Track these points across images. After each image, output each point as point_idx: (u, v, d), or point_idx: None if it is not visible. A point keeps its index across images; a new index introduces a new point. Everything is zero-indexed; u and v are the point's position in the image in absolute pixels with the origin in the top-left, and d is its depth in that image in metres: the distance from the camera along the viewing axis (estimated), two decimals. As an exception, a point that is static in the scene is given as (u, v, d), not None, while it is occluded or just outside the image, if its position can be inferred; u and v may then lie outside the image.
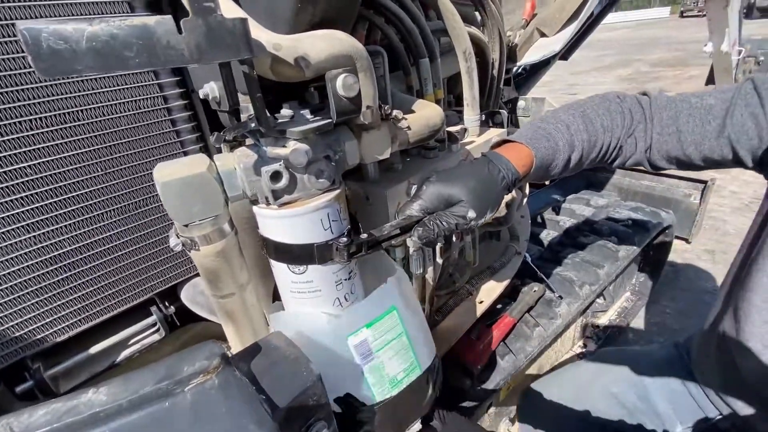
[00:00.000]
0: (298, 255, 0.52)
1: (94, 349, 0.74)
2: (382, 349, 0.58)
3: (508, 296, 1.26)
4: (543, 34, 1.38)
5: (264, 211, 0.51)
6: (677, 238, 1.96)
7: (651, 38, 13.64)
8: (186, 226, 0.48)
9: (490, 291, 1.08)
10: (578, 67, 9.19)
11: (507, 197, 1.02)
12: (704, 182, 1.96)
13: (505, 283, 1.10)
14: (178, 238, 0.50)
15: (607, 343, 1.68)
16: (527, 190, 1.28)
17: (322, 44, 0.46)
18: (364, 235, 0.57)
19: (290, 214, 0.50)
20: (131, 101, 0.63)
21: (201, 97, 0.54)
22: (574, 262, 1.44)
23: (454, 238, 0.93)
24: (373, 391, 0.58)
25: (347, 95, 0.47)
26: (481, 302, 1.04)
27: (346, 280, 0.58)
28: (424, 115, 0.63)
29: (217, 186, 0.48)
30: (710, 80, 3.47)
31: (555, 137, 0.68)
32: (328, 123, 0.49)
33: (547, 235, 1.64)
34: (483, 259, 1.16)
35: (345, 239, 0.53)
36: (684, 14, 21.03)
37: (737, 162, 0.64)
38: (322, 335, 0.54)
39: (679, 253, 2.42)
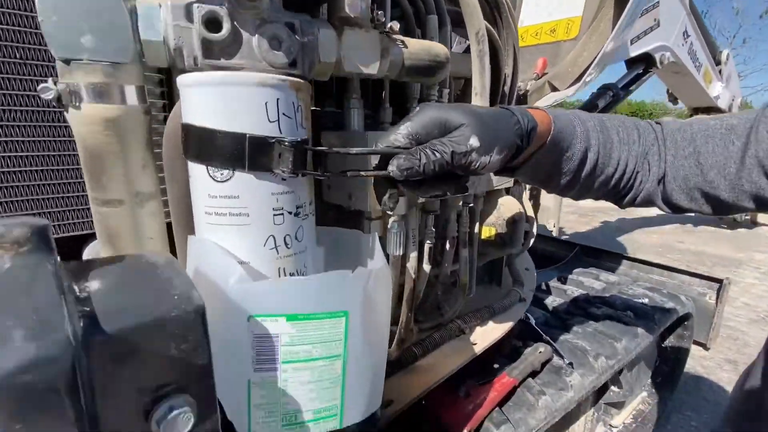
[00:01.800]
0: (222, 148, 0.36)
1: None
2: (296, 364, 0.36)
3: (508, 357, 1.02)
4: (554, 88, 1.37)
5: (188, 77, 0.36)
6: (695, 343, 1.75)
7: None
8: (67, 64, 0.34)
9: (486, 333, 0.86)
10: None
11: (509, 204, 0.85)
12: (719, 281, 1.82)
13: (505, 327, 0.88)
14: (55, 84, 0.34)
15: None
16: (535, 228, 1.12)
17: None
18: (325, 149, 0.41)
19: (222, 81, 0.36)
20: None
21: None
22: (586, 331, 1.21)
23: (447, 245, 0.75)
24: (249, 419, 0.37)
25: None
26: (474, 344, 0.81)
27: (290, 213, 0.41)
28: (425, 42, 0.52)
29: (125, 17, 0.34)
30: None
31: (572, 121, 0.56)
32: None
33: (553, 302, 1.43)
34: (481, 299, 0.95)
35: (292, 139, 0.38)
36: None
37: None
38: (215, 296, 0.34)
39: (697, 360, 2.15)
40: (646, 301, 1.47)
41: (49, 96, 0.34)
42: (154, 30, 0.35)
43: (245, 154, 0.36)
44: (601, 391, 1.32)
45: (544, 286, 1.60)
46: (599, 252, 2.17)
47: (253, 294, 0.34)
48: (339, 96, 0.63)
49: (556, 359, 1.05)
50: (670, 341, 1.64)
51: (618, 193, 0.60)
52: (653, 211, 5.78)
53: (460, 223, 0.75)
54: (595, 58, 1.25)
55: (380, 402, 0.45)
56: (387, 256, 0.57)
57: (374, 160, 0.45)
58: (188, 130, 0.38)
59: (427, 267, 0.70)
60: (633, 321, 1.28)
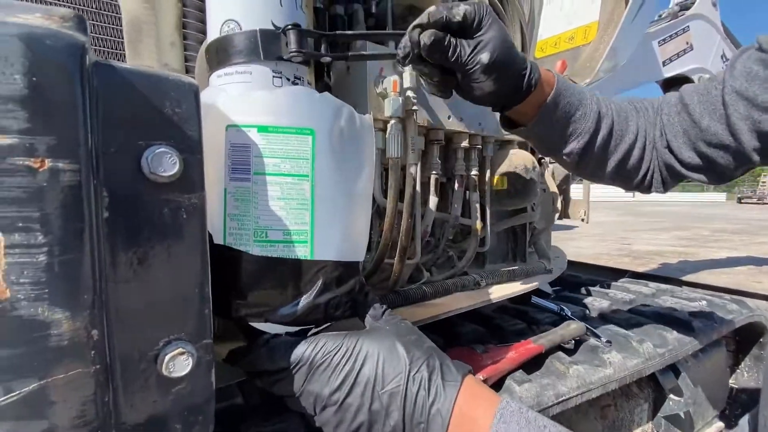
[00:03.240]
0: (239, 45, 0.43)
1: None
2: (266, 177, 0.39)
3: (534, 332, 0.94)
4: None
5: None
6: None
7: (709, 214, 13.51)
8: (120, -54, 0.44)
9: (504, 289, 0.82)
10: (631, 226, 9.09)
11: (521, 154, 0.83)
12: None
13: (525, 287, 0.84)
14: (110, -34, 0.44)
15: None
16: (558, 216, 1.09)
17: None
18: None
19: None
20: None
21: None
22: (630, 323, 1.09)
23: (456, 185, 0.76)
24: (224, 228, 0.39)
25: None
26: (491, 294, 0.78)
27: (288, 80, 0.46)
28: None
29: None
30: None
31: (579, 87, 0.59)
32: None
33: (593, 301, 1.32)
34: (500, 262, 0.92)
35: (296, 24, 0.44)
36: (742, 200, 21.09)
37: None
38: (209, 116, 0.38)
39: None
40: (704, 303, 1.31)
41: (105, -27, 0.44)
42: (186, -74, 0.45)
43: (259, 47, 0.43)
44: (657, 403, 1.15)
45: (584, 290, 1.48)
46: (653, 278, 1.99)
47: (230, 106, 0.39)
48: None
49: (592, 340, 0.95)
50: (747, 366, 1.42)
51: (639, 165, 0.60)
52: (722, 252, 5.21)
53: (468, 164, 0.77)
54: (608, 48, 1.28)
55: (361, 258, 0.45)
56: (387, 160, 0.60)
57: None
58: (210, 47, 0.45)
59: (433, 199, 0.71)
60: (687, 318, 1.15)
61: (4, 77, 0.24)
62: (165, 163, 0.31)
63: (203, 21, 0.68)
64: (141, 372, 0.31)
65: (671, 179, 0.61)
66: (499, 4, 0.90)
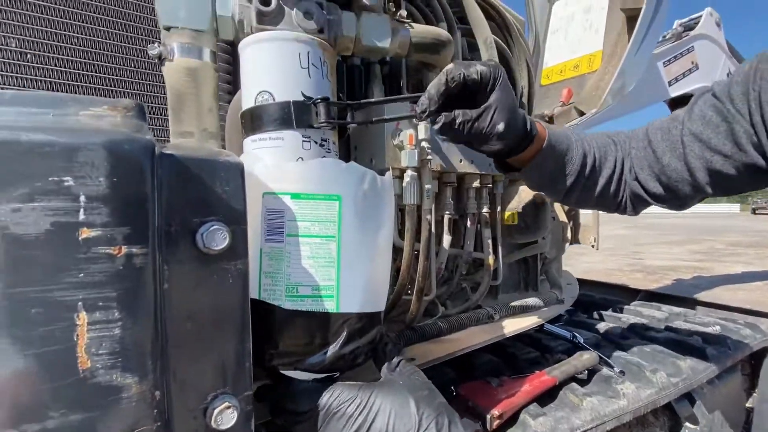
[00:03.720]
0: (273, 115, 0.48)
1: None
2: (297, 238, 0.44)
3: (548, 362, 0.95)
4: (581, 113, 1.43)
5: (247, 39, 0.50)
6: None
7: (723, 226, 13.28)
8: (168, 30, 0.49)
9: (518, 324, 0.84)
10: (643, 239, 8.97)
11: (532, 195, 0.87)
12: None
13: (538, 320, 0.86)
14: (159, 46, 0.50)
15: None
16: (569, 244, 1.11)
17: None
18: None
19: (270, 37, 0.49)
20: None
21: None
22: (644, 351, 1.10)
23: (468, 223, 0.80)
24: (259, 284, 0.43)
25: (346, -60, 0.51)
26: (504, 328, 0.80)
27: (316, 143, 0.51)
28: (429, 26, 0.64)
29: (208, 0, 0.50)
30: None
31: (566, 132, 0.65)
32: (323, -39, 0.51)
33: (606, 326, 1.32)
34: (513, 291, 0.94)
35: (324, 96, 0.49)
36: (756, 211, 20.70)
37: (724, 154, 0.55)
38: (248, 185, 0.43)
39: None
40: (717, 328, 1.31)
41: (154, 52, 0.49)
42: (226, 8, 0.50)
43: (292, 117, 0.48)
44: (674, 431, 1.14)
45: (596, 315, 1.49)
46: (667, 297, 1.98)
47: (267, 174, 0.43)
48: (365, 89, 0.76)
49: (605, 370, 0.96)
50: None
51: (617, 193, 0.66)
52: (737, 267, 5.10)
53: (480, 203, 0.80)
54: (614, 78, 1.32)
55: (382, 307, 0.49)
56: (404, 207, 0.64)
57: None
58: (245, 114, 0.50)
59: (447, 238, 0.75)
60: (701, 344, 1.15)
61: (91, 180, 0.29)
62: (217, 239, 0.35)
63: (229, 82, 0.74)
64: (194, 426, 0.35)
65: (640, 205, 0.67)
66: (506, 48, 0.95)
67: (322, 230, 0.44)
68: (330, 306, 0.44)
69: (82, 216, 0.28)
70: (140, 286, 0.31)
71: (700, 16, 2.48)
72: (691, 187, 0.60)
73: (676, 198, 0.62)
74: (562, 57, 1.69)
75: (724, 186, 0.58)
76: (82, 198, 0.28)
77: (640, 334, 1.27)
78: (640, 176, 0.64)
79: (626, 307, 1.56)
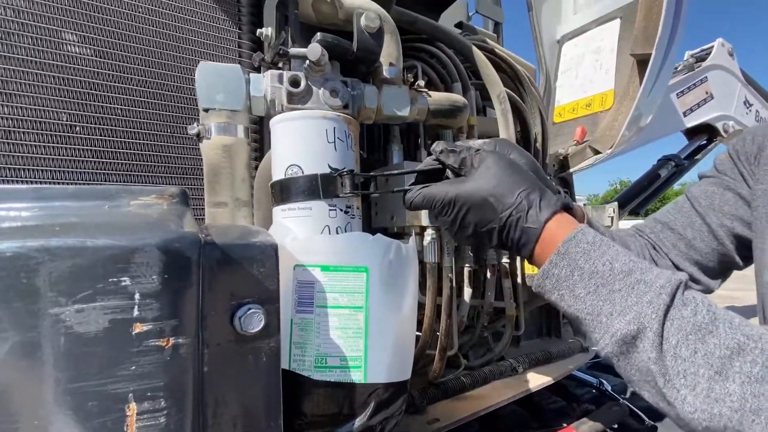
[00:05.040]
0: (302, 187, 0.51)
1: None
2: (327, 309, 0.46)
3: (575, 417, 0.92)
4: (596, 152, 1.43)
5: (277, 117, 0.54)
6: None
7: (752, 250, 12.66)
8: (206, 111, 0.54)
9: (542, 376, 0.83)
10: (667, 265, 8.63)
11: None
12: None
13: (563, 372, 0.84)
14: (197, 126, 0.54)
15: None
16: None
17: (358, 0, 0.58)
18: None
19: (299, 116, 0.53)
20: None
21: (258, 35, 0.65)
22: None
23: (488, 274, 0.80)
24: (289, 354, 0.45)
25: (369, 25, 0.55)
26: (528, 382, 0.79)
27: (341, 210, 0.53)
28: (446, 93, 0.68)
29: (243, 83, 0.54)
30: None
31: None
32: (348, 46, 0.56)
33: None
34: (535, 338, 0.93)
35: (349, 169, 0.52)
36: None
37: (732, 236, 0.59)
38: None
39: None
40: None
41: (193, 132, 0.54)
42: (258, 90, 0.55)
43: (319, 188, 0.51)
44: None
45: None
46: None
47: (298, 247, 0.46)
48: (384, 147, 0.79)
49: (636, 425, 0.92)
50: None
51: None
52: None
53: (499, 253, 0.81)
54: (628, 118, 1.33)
55: (408, 376, 0.49)
56: (425, 264, 0.65)
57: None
58: (275, 185, 0.54)
59: (468, 290, 0.75)
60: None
61: (146, 279, 0.31)
62: (254, 322, 0.37)
63: (256, 149, 0.78)
64: None
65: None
66: (519, 99, 0.98)
67: (351, 301, 0.46)
68: (358, 377, 0.45)
69: (136, 312, 0.31)
70: (184, 374, 0.33)
71: (712, 46, 2.50)
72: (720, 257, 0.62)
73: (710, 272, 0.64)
74: (573, 95, 1.72)
75: None
76: (137, 296, 0.31)
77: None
78: (670, 256, 0.64)
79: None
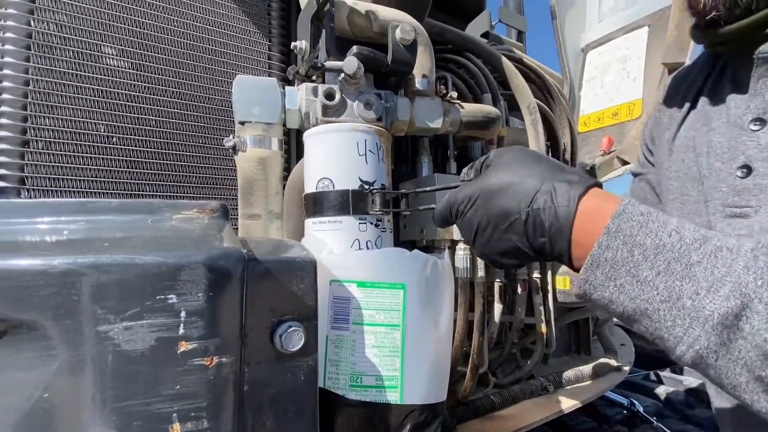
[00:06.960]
0: (333, 201, 0.51)
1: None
2: (363, 327, 0.44)
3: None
4: (624, 162, 1.40)
5: (312, 129, 0.54)
6: None
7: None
8: (242, 124, 0.54)
9: (574, 396, 0.79)
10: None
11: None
12: None
13: (595, 393, 0.81)
14: (233, 138, 0.54)
15: None
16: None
17: (392, 12, 0.58)
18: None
19: (333, 129, 0.53)
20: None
21: (292, 48, 0.65)
22: (712, 423, 1.00)
23: (519, 289, 0.78)
24: (324, 372, 0.44)
25: (404, 38, 0.55)
26: (560, 402, 0.76)
27: (372, 224, 0.53)
28: (479, 105, 0.66)
29: (279, 97, 0.54)
30: None
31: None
32: (383, 58, 0.55)
33: (666, 390, 1.22)
34: (564, 355, 0.90)
35: (380, 187, 0.52)
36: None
37: None
38: None
39: None
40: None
41: (229, 144, 0.54)
42: (293, 103, 0.55)
43: (350, 204, 0.51)
44: None
45: (653, 376, 1.38)
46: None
47: (333, 262, 0.45)
48: (413, 158, 0.79)
49: (673, 448, 0.88)
50: None
51: None
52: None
53: (530, 267, 0.79)
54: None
55: (444, 397, 0.48)
56: (456, 280, 0.64)
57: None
58: (308, 197, 0.54)
59: (498, 306, 0.73)
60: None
61: (191, 296, 0.31)
62: (294, 340, 0.36)
63: (287, 161, 0.78)
64: None
65: None
66: (548, 110, 0.96)
67: (387, 319, 0.44)
68: (394, 397, 0.44)
69: (181, 330, 0.30)
70: (226, 393, 0.32)
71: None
72: None
73: None
74: (599, 105, 1.69)
75: None
76: (183, 313, 0.30)
77: (705, 400, 1.16)
78: None
79: (687, 368, 1.44)
